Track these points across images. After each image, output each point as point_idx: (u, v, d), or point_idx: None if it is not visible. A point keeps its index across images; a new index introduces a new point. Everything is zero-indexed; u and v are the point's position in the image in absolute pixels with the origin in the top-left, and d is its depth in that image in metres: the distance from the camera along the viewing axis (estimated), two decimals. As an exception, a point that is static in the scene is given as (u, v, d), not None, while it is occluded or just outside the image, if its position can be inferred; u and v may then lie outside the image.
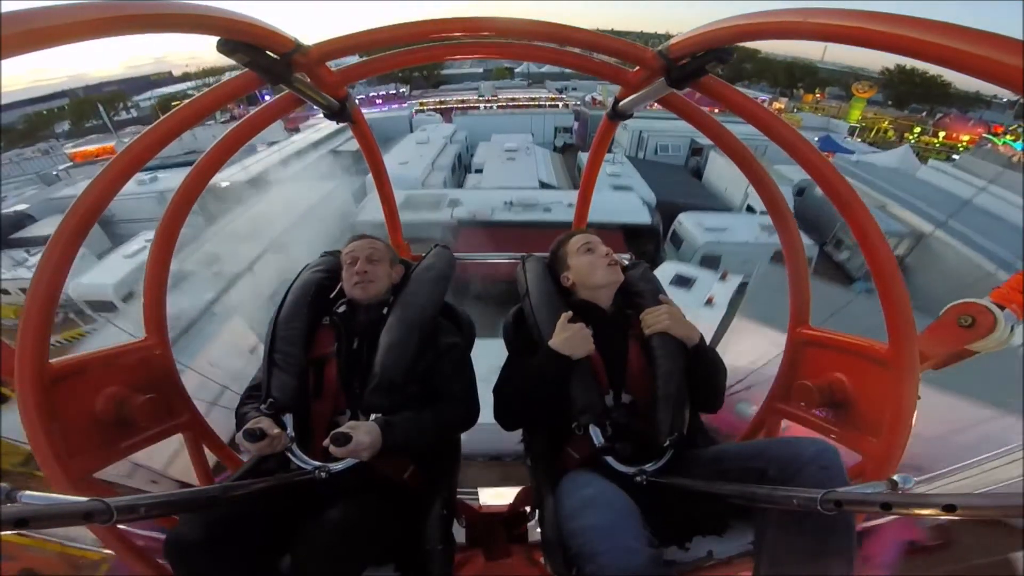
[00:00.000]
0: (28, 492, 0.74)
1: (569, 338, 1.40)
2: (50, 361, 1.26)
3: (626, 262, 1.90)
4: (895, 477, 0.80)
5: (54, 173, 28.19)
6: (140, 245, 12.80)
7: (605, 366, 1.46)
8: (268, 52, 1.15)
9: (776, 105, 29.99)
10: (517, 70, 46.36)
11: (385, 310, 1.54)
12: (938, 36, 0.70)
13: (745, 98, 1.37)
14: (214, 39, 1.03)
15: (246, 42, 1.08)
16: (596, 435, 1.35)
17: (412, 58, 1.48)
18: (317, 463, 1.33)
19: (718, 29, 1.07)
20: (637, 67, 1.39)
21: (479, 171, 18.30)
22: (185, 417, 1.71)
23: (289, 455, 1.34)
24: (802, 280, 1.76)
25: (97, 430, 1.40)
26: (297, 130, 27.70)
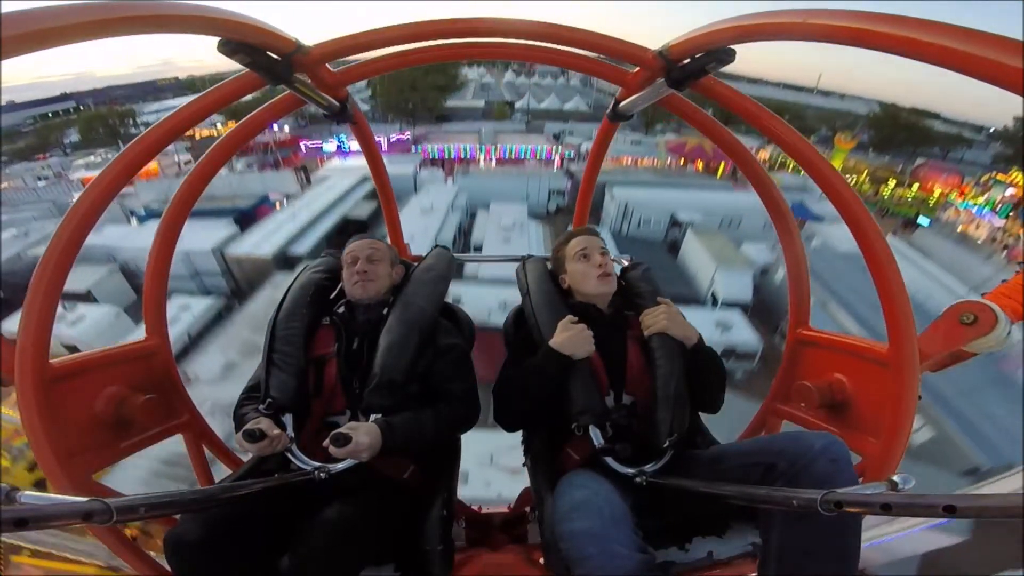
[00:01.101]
0: (28, 492, 0.74)
1: (571, 337, 1.40)
2: (50, 361, 1.26)
3: (625, 263, 1.90)
4: (895, 477, 0.80)
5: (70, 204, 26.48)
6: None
7: (605, 367, 1.46)
8: (269, 53, 1.15)
9: (762, 155, 29.25)
10: (517, 104, 45.73)
11: (385, 310, 1.54)
12: (938, 37, 0.70)
13: (745, 99, 1.37)
14: (214, 41, 1.03)
15: (247, 43, 1.08)
16: (596, 436, 1.35)
17: (413, 59, 1.48)
18: (317, 463, 1.33)
19: (718, 30, 1.07)
20: (637, 68, 1.39)
21: (478, 248, 18.50)
22: (185, 417, 1.71)
23: (289, 455, 1.34)
24: (802, 281, 1.76)
25: (97, 430, 1.40)
26: (306, 173, 27.30)
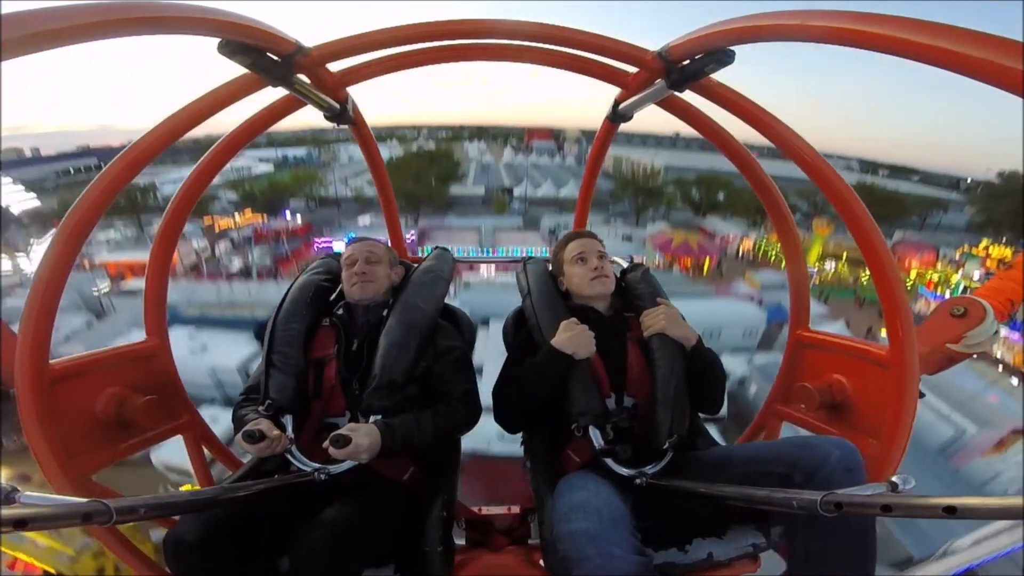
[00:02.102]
0: (28, 492, 0.74)
1: (572, 337, 1.40)
2: (50, 362, 1.26)
3: (624, 265, 1.90)
4: (895, 478, 0.80)
5: (95, 295, 20.03)
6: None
7: (606, 369, 1.46)
8: (269, 54, 1.15)
9: (745, 243, 28.73)
10: (516, 192, 45.40)
11: (385, 311, 1.54)
12: (937, 38, 0.70)
13: (745, 100, 1.37)
14: (212, 41, 1.03)
15: (247, 43, 1.08)
16: (596, 437, 1.35)
17: (413, 60, 1.48)
18: (316, 465, 1.33)
19: (718, 31, 1.07)
20: (637, 69, 1.39)
21: (479, 371, 17.96)
22: (185, 418, 1.71)
23: (289, 457, 1.34)
24: (802, 283, 1.76)
25: (97, 431, 1.40)
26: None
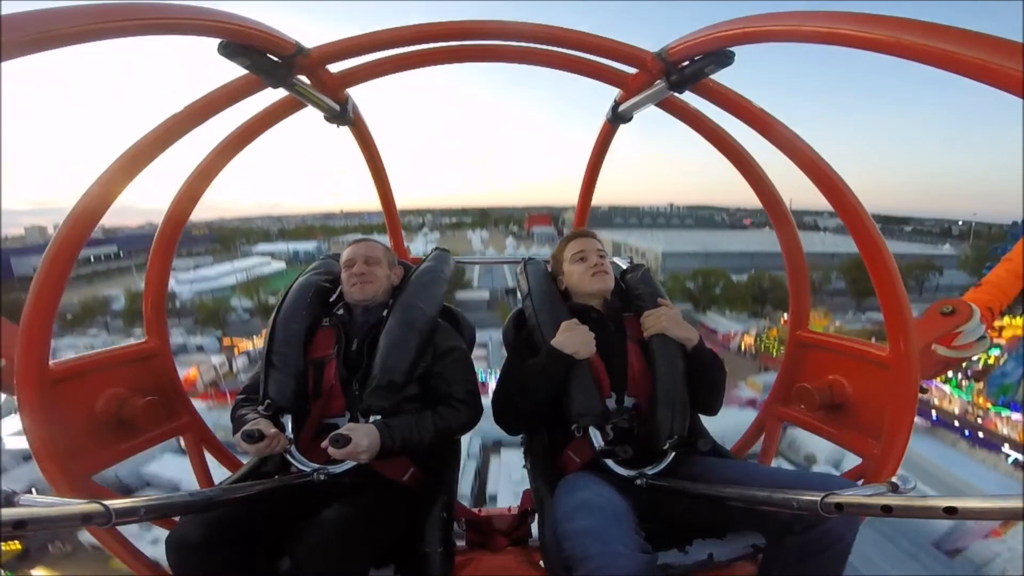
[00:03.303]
0: (27, 496, 0.74)
1: (572, 337, 1.40)
2: (50, 363, 1.26)
3: (624, 265, 1.90)
4: (895, 479, 0.80)
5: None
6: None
7: (606, 369, 1.46)
8: (269, 55, 1.15)
9: (746, 339, 27.69)
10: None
11: (385, 312, 1.54)
12: (937, 39, 0.70)
13: (746, 101, 1.37)
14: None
15: (247, 45, 1.09)
16: (596, 437, 1.35)
17: (414, 61, 1.48)
18: (316, 465, 1.33)
19: (717, 32, 1.07)
20: (637, 70, 1.39)
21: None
22: (185, 419, 1.71)
23: (288, 457, 1.34)
24: (802, 283, 1.76)
25: (97, 432, 1.40)
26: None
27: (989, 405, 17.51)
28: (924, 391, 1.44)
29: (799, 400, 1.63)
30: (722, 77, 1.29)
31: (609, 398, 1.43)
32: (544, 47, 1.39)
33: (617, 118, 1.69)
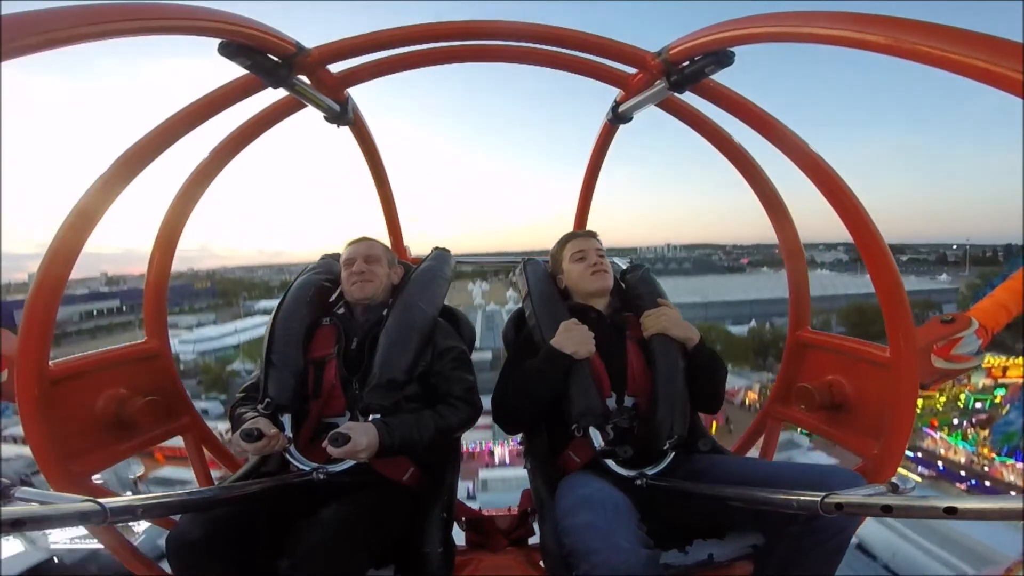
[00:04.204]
0: (24, 488, 0.74)
1: (572, 336, 1.40)
2: (50, 363, 1.26)
3: (624, 266, 1.90)
4: (895, 479, 0.80)
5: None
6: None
7: (606, 369, 1.46)
8: (269, 55, 1.15)
9: (750, 396, 26.81)
10: None
11: (385, 311, 1.54)
12: (937, 40, 0.70)
13: (747, 102, 1.37)
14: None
15: (247, 44, 1.08)
16: (596, 437, 1.35)
17: (414, 61, 1.48)
18: (316, 464, 1.33)
19: (718, 33, 1.07)
20: (638, 70, 1.39)
21: None
22: (185, 419, 1.71)
23: (287, 456, 1.34)
24: (801, 283, 1.76)
25: (97, 431, 1.40)
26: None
27: (994, 455, 17.63)
28: (924, 388, 1.48)
29: (799, 400, 1.63)
30: (723, 78, 1.30)
31: (609, 398, 1.43)
32: (544, 47, 1.39)
33: (617, 118, 1.69)
